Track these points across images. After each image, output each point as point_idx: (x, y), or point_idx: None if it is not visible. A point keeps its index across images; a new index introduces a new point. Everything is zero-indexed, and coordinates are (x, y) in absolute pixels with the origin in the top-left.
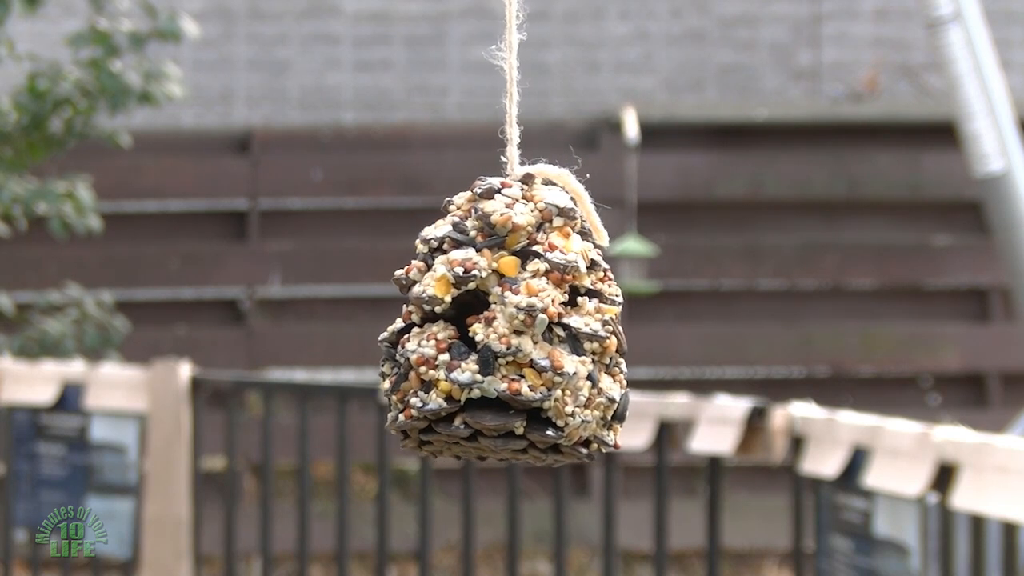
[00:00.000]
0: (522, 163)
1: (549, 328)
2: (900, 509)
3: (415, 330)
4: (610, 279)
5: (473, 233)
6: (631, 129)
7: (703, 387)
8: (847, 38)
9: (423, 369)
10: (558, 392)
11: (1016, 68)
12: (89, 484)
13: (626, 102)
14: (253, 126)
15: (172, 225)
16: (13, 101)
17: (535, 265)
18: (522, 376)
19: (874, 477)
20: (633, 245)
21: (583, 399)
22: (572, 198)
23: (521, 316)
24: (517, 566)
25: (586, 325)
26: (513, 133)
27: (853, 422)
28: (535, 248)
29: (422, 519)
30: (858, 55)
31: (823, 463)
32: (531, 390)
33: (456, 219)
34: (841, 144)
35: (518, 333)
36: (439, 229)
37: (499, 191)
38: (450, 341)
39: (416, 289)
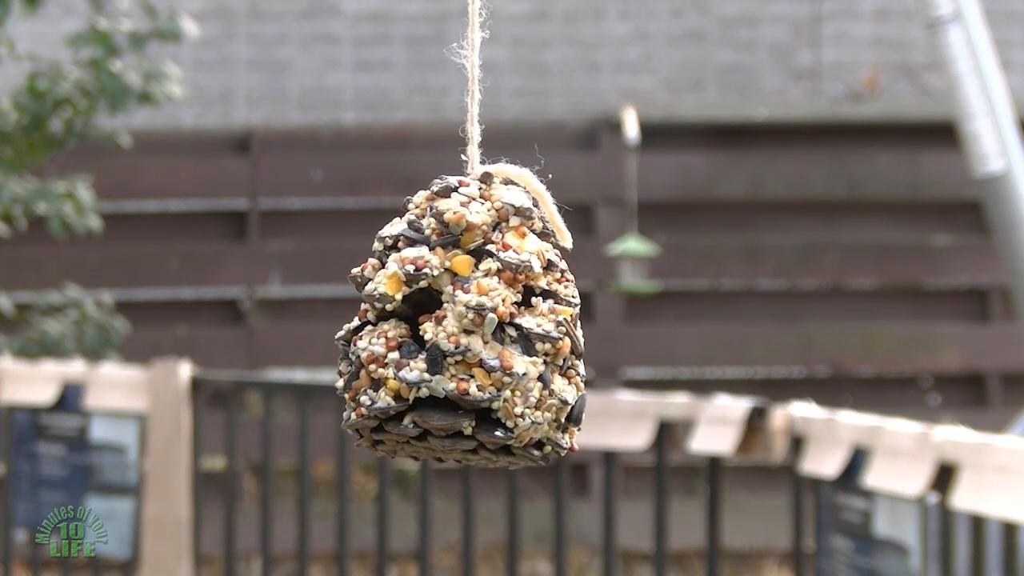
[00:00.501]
0: (483, 162)
1: (501, 328)
2: (900, 509)
3: (367, 328)
4: (568, 280)
5: (428, 231)
6: (631, 129)
7: (703, 387)
8: (847, 38)
9: (373, 367)
10: (507, 392)
11: (1016, 68)
12: (89, 484)
13: (626, 102)
14: (253, 126)
15: (172, 225)
16: (13, 101)
17: (487, 264)
18: (471, 376)
19: (874, 477)
20: (633, 245)
21: (534, 400)
22: (533, 198)
23: (470, 315)
24: (517, 566)
25: (538, 326)
26: (474, 131)
27: (853, 422)
28: (489, 247)
29: (422, 519)
30: (858, 55)
31: (823, 463)
32: (479, 390)
33: (412, 217)
34: (841, 144)
35: (468, 332)
36: (395, 227)
37: (455, 189)
38: (400, 339)
39: (368, 287)
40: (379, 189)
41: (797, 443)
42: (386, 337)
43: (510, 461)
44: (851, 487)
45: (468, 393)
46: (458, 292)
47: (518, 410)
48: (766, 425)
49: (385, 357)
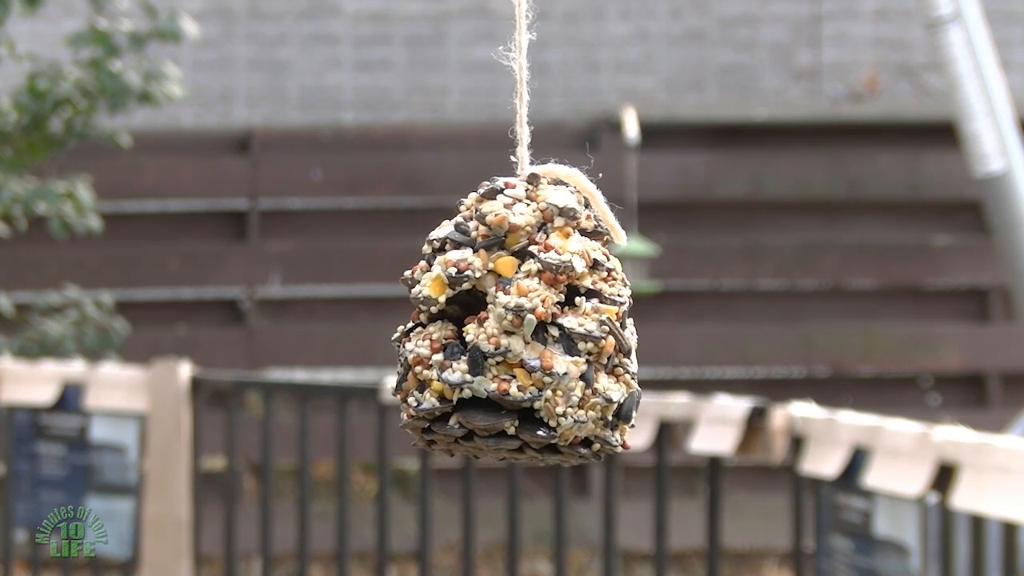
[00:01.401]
0: (532, 163)
1: (544, 328)
2: (900, 509)
3: (416, 330)
4: (614, 279)
5: (474, 234)
6: (631, 129)
7: (703, 387)
8: (847, 38)
9: (418, 369)
10: (548, 392)
11: (1016, 68)
12: (89, 484)
13: (626, 102)
14: (253, 126)
15: (172, 225)
16: (13, 101)
17: (528, 265)
18: (513, 376)
19: (874, 477)
20: (633, 245)
21: (576, 399)
22: (585, 198)
23: (509, 316)
24: (517, 566)
25: (580, 325)
26: (524, 133)
27: (853, 422)
28: (531, 248)
29: (422, 519)
30: (858, 55)
31: (823, 463)
32: (520, 390)
33: (460, 220)
34: (841, 144)
35: (508, 333)
36: (443, 230)
37: (502, 191)
38: (445, 341)
39: (415, 290)
40: (379, 189)
41: (797, 443)
42: (431, 339)
43: (560, 459)
44: (851, 487)
45: (508, 393)
46: (499, 294)
47: (560, 409)
48: (766, 425)
49: (430, 359)
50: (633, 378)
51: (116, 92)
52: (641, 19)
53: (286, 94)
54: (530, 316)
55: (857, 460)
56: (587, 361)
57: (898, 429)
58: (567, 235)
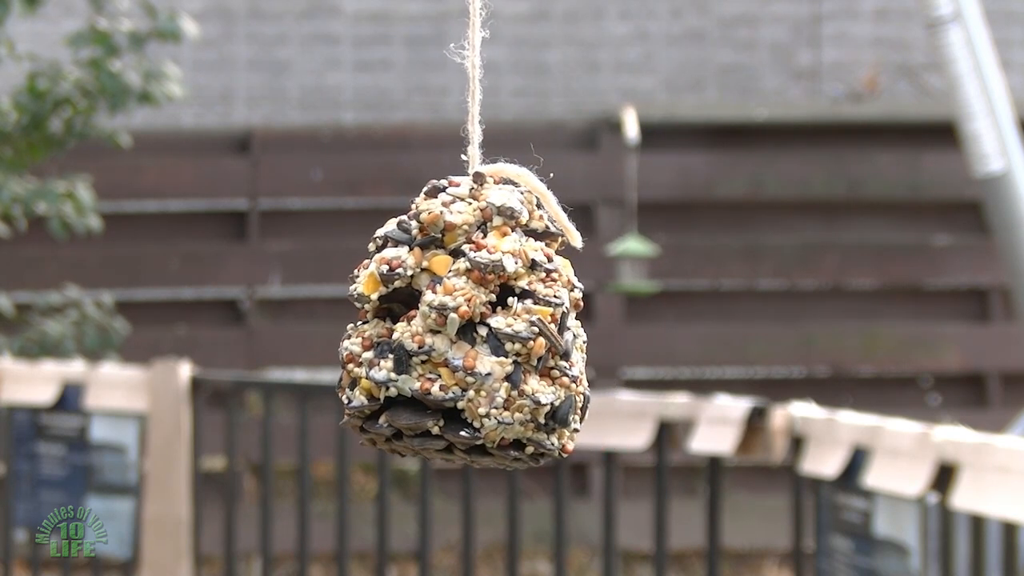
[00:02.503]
0: (484, 162)
1: (473, 328)
2: (900, 509)
3: (351, 327)
4: (554, 281)
5: (414, 232)
6: (631, 129)
7: (703, 387)
8: (847, 38)
9: (350, 366)
10: (471, 393)
11: (1016, 68)
12: (89, 484)
13: (626, 102)
14: (253, 126)
15: (172, 225)
16: (13, 101)
17: (458, 264)
18: (438, 376)
19: (874, 477)
20: (633, 245)
21: (500, 401)
22: (535, 198)
23: (433, 315)
24: (517, 566)
25: (508, 326)
26: (475, 131)
27: (853, 422)
28: (464, 247)
29: (422, 519)
30: (858, 55)
31: (823, 463)
32: (442, 390)
33: (404, 218)
34: (841, 144)
35: (433, 332)
36: (386, 227)
37: (444, 190)
38: (378, 339)
39: (351, 287)
40: (379, 189)
41: (797, 443)
42: (363, 337)
43: (492, 462)
44: (851, 487)
45: (430, 393)
46: (427, 292)
47: (482, 410)
48: (766, 425)
49: (359, 356)
50: (574, 381)
51: (116, 92)
52: (641, 19)
53: (286, 94)
54: (453, 315)
55: (857, 460)
56: (514, 362)
57: (898, 429)
58: (504, 235)
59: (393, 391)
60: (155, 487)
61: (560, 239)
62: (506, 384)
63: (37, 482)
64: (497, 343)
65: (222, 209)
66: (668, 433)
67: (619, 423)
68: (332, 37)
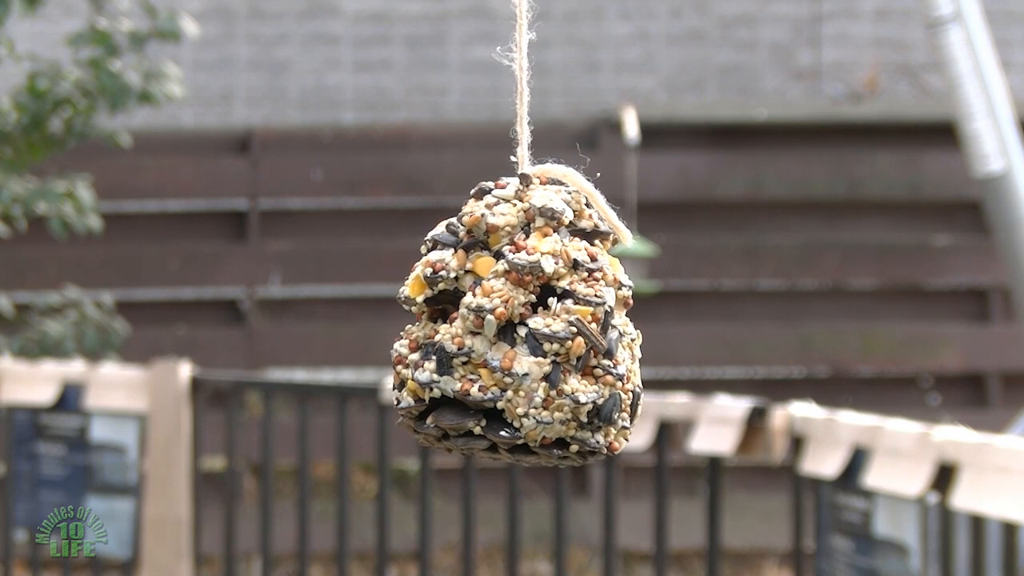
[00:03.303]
0: (533, 163)
1: (512, 329)
2: (900, 509)
3: (404, 330)
4: (596, 280)
5: (462, 234)
6: (631, 129)
7: (703, 387)
8: (847, 38)
9: (399, 367)
10: (510, 393)
11: (1016, 68)
12: (89, 484)
13: (626, 102)
14: (253, 126)
15: (172, 225)
16: (13, 101)
17: (497, 266)
18: (478, 377)
19: (874, 477)
20: (633, 245)
21: (539, 400)
22: (585, 198)
23: (471, 317)
24: (517, 566)
25: (547, 326)
26: (524, 132)
27: (853, 422)
28: (504, 249)
29: (422, 519)
30: (858, 55)
31: (823, 463)
32: (481, 391)
33: (453, 220)
34: (841, 144)
35: (473, 334)
36: (436, 230)
37: (489, 191)
38: (424, 341)
39: (400, 290)
40: (379, 189)
41: (797, 443)
42: (410, 338)
43: (536, 460)
44: (851, 487)
45: (470, 394)
46: (468, 294)
47: (521, 410)
48: (766, 425)
49: (406, 358)
50: (620, 379)
51: (116, 92)
52: (641, 19)
53: (286, 94)
54: (490, 317)
55: (857, 460)
56: (553, 362)
57: (898, 429)
58: (545, 235)
59: (437, 392)
60: (155, 487)
61: (611, 238)
62: (544, 384)
63: (37, 482)
64: (535, 343)
65: (222, 209)
66: (668, 433)
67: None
68: (332, 37)
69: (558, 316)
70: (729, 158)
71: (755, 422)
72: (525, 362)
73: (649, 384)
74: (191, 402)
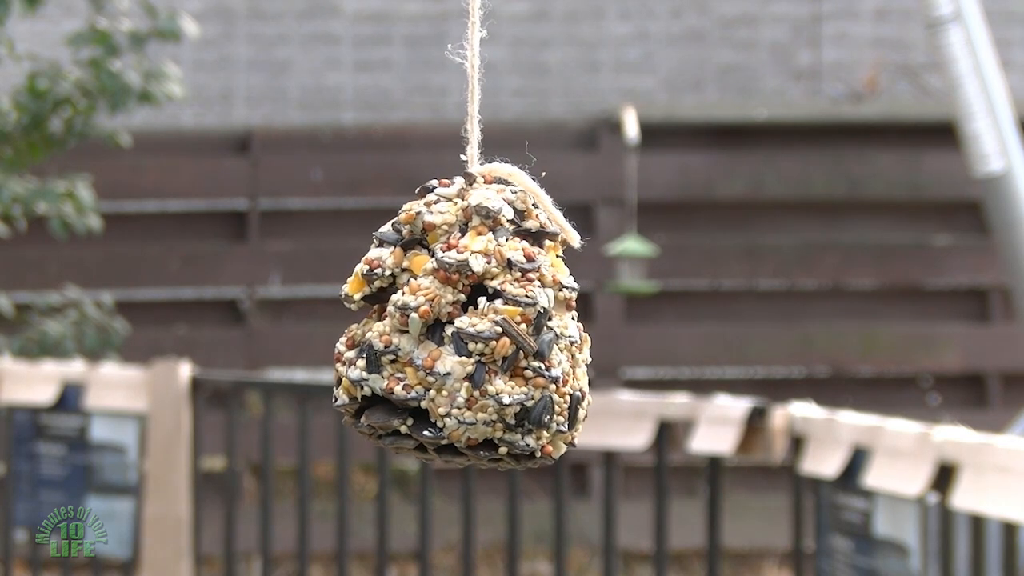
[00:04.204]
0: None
1: (442, 328)
2: (900, 509)
3: (349, 327)
4: (529, 280)
5: (404, 232)
6: (631, 129)
7: (703, 387)
8: (847, 38)
9: (337, 365)
10: (432, 392)
11: (1016, 68)
12: (89, 484)
13: (626, 102)
14: (253, 126)
15: (172, 225)
16: (13, 101)
17: (428, 264)
18: (404, 375)
19: (874, 477)
20: (633, 245)
21: (461, 400)
22: (531, 198)
23: (397, 315)
24: (517, 566)
25: (472, 326)
26: (474, 131)
27: (853, 422)
28: (436, 247)
29: (422, 519)
30: (858, 55)
31: (823, 463)
32: (405, 389)
33: (397, 218)
34: (841, 144)
35: (400, 332)
36: (383, 227)
37: (432, 190)
38: (360, 338)
39: (343, 287)
40: (379, 189)
41: (797, 443)
42: (349, 336)
43: (464, 461)
44: (851, 487)
45: (394, 392)
46: (398, 292)
47: (442, 410)
48: (766, 425)
49: (344, 355)
50: (553, 382)
51: (116, 92)
52: (641, 19)
53: (286, 94)
54: (414, 315)
55: (857, 460)
56: (478, 362)
57: (898, 429)
58: (480, 234)
59: (368, 390)
60: (155, 487)
61: (560, 238)
62: (467, 384)
63: (37, 482)
64: (461, 343)
65: (222, 209)
66: (668, 433)
67: (619, 423)
68: (332, 37)
69: (485, 316)
70: (729, 158)
71: (755, 422)
72: (448, 361)
73: (649, 384)
74: (191, 402)
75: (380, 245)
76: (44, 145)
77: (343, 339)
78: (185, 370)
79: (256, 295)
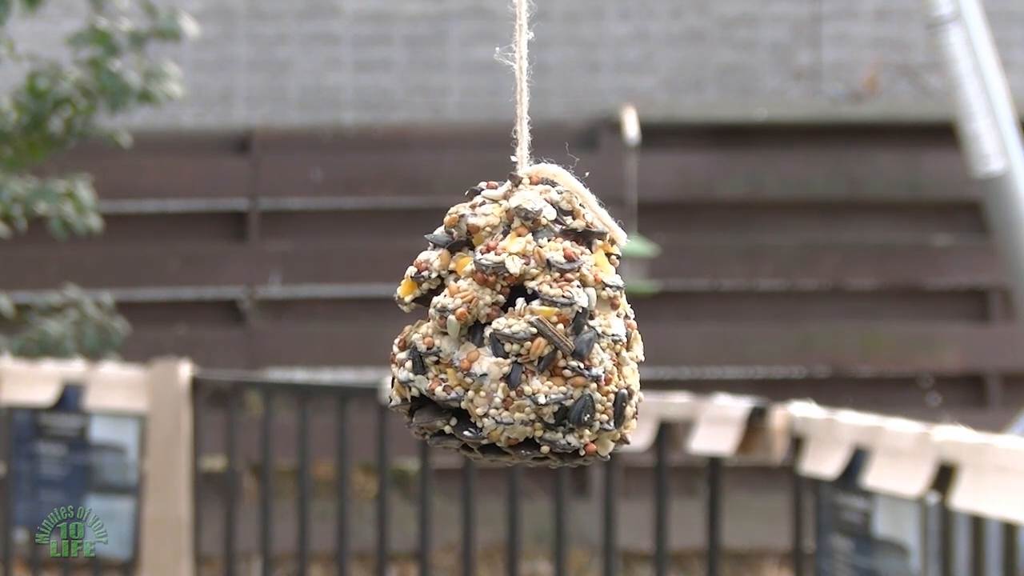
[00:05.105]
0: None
1: (481, 329)
2: (900, 509)
3: (404, 329)
4: (567, 281)
5: (454, 234)
6: (631, 129)
7: (703, 387)
8: (847, 38)
9: (392, 366)
10: (471, 393)
11: (1016, 68)
12: (89, 484)
13: (626, 102)
14: (253, 126)
15: (172, 225)
16: (13, 101)
17: (467, 266)
18: (446, 376)
19: (874, 477)
20: (633, 245)
21: (498, 400)
22: (577, 198)
23: (437, 317)
24: (517, 566)
25: (508, 327)
26: (524, 132)
27: (853, 422)
28: (477, 249)
29: (422, 519)
30: (858, 55)
31: (823, 463)
32: (445, 390)
33: (445, 220)
34: (841, 144)
35: (441, 334)
36: (437, 230)
37: (480, 192)
38: (410, 341)
39: (397, 289)
40: (379, 189)
41: (797, 443)
42: (402, 338)
43: (508, 460)
44: (851, 487)
45: (435, 393)
46: (441, 295)
47: (480, 410)
48: (766, 425)
49: (396, 356)
50: (594, 380)
51: (116, 91)
52: (641, 19)
53: (286, 94)
54: (451, 317)
55: (857, 460)
56: (514, 363)
57: (898, 429)
58: (520, 235)
59: (415, 391)
60: (155, 487)
61: (607, 237)
62: (503, 384)
63: (37, 482)
64: (497, 344)
65: (222, 209)
66: (668, 433)
67: None
68: (332, 37)
69: (521, 316)
70: (729, 158)
71: (755, 422)
72: (485, 362)
73: (649, 384)
74: (191, 402)
75: (432, 248)
76: (44, 145)
77: (397, 340)
78: (185, 370)
79: (256, 295)
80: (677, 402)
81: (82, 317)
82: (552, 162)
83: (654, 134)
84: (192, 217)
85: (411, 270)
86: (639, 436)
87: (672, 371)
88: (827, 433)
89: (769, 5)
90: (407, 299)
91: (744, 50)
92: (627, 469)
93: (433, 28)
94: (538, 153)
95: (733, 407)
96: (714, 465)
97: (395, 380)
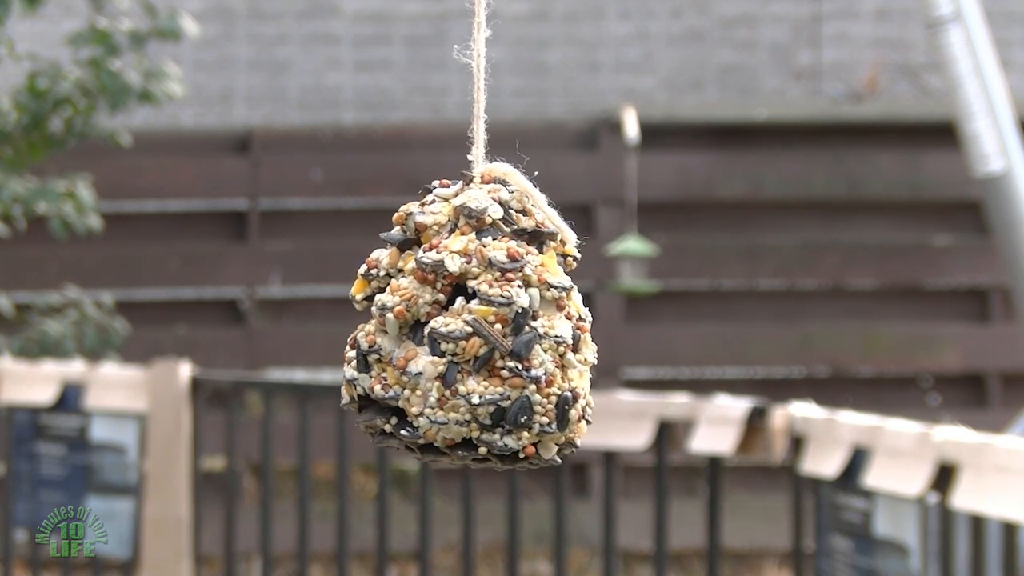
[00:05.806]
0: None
1: (421, 328)
2: (900, 509)
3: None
4: (508, 280)
5: (407, 232)
6: (631, 129)
7: (703, 387)
8: (847, 38)
9: (344, 366)
10: (407, 391)
11: (1016, 68)
12: (89, 484)
13: (626, 102)
14: (253, 126)
15: (172, 225)
16: (13, 101)
17: (409, 264)
18: (386, 375)
19: (874, 477)
20: (633, 245)
21: (433, 400)
22: (527, 197)
23: (377, 315)
24: (517, 566)
25: (444, 325)
26: (480, 132)
27: (853, 422)
28: (419, 247)
29: (422, 519)
30: (858, 55)
31: (823, 463)
32: (384, 388)
33: (394, 218)
34: (841, 144)
35: (382, 332)
36: (393, 229)
37: (431, 191)
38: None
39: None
40: (379, 189)
41: (797, 443)
42: (352, 336)
43: (448, 461)
44: (851, 487)
45: (374, 391)
46: (383, 292)
47: (415, 409)
48: (766, 425)
49: (346, 354)
50: (533, 382)
51: (116, 91)
52: (641, 19)
53: (286, 94)
54: (389, 315)
55: (857, 460)
56: (450, 362)
57: (898, 429)
58: (463, 234)
59: (360, 389)
60: (155, 487)
61: (558, 238)
62: (438, 383)
63: (37, 482)
64: (434, 343)
65: (222, 209)
66: (668, 433)
67: (619, 423)
68: (332, 37)
69: (459, 315)
70: (729, 158)
71: (755, 422)
72: (422, 361)
73: (649, 384)
74: (191, 402)
75: (388, 246)
76: (44, 145)
77: (349, 339)
78: (185, 370)
79: (256, 295)
80: (677, 402)
81: (82, 317)
82: (504, 161)
83: (654, 134)
84: (192, 217)
85: (362, 268)
86: (639, 436)
87: (672, 371)
88: (827, 433)
89: (769, 5)
90: (359, 297)
91: (744, 50)
92: (627, 469)
93: (433, 28)
94: (537, 153)
95: (733, 407)
96: (714, 465)
97: (344, 378)
